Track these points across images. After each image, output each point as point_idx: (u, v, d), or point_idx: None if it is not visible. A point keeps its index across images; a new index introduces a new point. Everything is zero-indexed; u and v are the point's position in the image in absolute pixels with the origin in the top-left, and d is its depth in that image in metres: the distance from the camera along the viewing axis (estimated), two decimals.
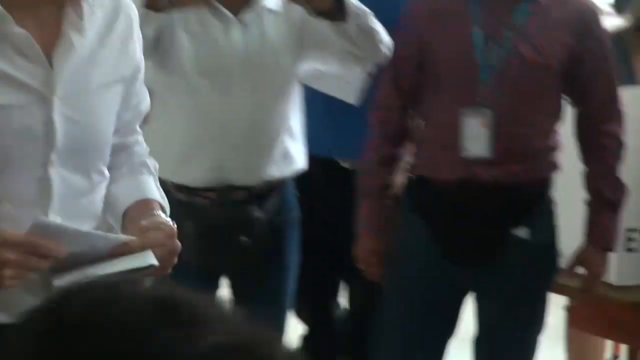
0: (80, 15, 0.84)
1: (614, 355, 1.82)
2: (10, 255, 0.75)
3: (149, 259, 0.81)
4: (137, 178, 0.97)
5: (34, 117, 0.83)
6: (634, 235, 1.53)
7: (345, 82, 1.47)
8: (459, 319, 1.46)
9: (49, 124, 0.83)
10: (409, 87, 1.41)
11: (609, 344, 1.83)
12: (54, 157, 0.84)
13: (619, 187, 1.40)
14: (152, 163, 1.01)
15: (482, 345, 1.45)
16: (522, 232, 1.36)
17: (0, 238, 0.76)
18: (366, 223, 1.43)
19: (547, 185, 1.41)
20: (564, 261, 1.45)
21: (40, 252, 0.77)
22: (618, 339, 1.63)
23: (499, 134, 1.33)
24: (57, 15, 0.84)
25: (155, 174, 1.00)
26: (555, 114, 1.40)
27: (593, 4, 1.56)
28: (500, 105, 1.33)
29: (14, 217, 0.83)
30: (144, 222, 0.87)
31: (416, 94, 1.41)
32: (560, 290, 1.54)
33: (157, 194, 0.97)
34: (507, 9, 1.34)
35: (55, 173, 0.85)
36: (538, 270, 1.41)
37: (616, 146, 1.40)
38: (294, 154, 1.42)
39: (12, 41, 0.81)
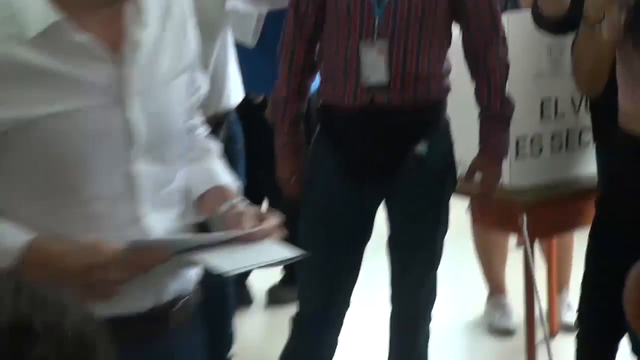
0: (139, 9, 0.83)
1: (518, 243, 2.11)
2: (116, 274, 0.78)
3: (292, 251, 0.85)
4: (204, 164, 1.00)
5: (111, 117, 0.83)
6: (523, 142, 1.75)
7: (243, 24, 1.58)
8: (371, 228, 1.68)
9: (125, 122, 0.84)
10: (312, 25, 1.54)
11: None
12: (134, 153, 0.85)
13: (506, 102, 1.58)
14: (214, 144, 1.03)
15: (394, 248, 1.68)
16: (421, 148, 1.55)
17: (105, 259, 0.77)
18: (282, 149, 1.61)
19: (441, 106, 1.58)
20: (464, 170, 1.67)
21: (145, 267, 0.79)
22: (515, 231, 1.89)
23: (394, 62, 1.47)
24: (117, 13, 0.83)
25: (219, 154, 1.02)
26: (446, 41, 1.55)
27: None
28: (394, 35, 1.47)
29: (106, 214, 0.85)
30: (246, 212, 0.87)
31: (318, 30, 1.54)
32: (463, 194, 1.78)
33: (228, 178, 0.99)
34: None
35: (138, 168, 0.86)
36: (437, 179, 1.61)
37: (501, 66, 1.56)
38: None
39: (79, 46, 0.79)
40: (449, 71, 1.56)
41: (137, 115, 0.83)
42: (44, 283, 0.61)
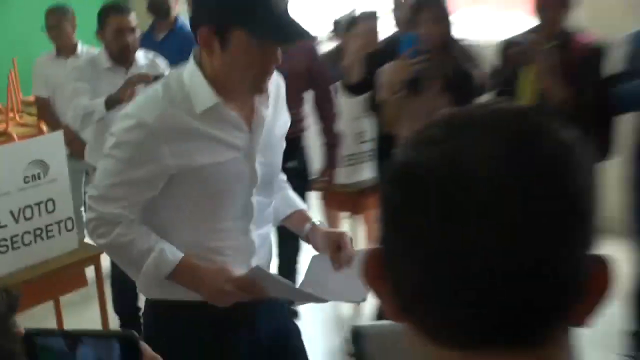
0: (264, 96, 1.17)
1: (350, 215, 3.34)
2: (232, 289, 1.10)
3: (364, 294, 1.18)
4: (284, 193, 1.38)
5: (243, 166, 1.16)
6: (350, 159, 2.95)
7: None
8: None
9: (252, 169, 1.17)
10: None
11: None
12: (254, 189, 1.19)
13: (336, 136, 2.70)
14: (284, 178, 1.39)
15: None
16: (292, 164, 2.61)
17: (230, 277, 1.12)
18: None
19: (302, 137, 2.61)
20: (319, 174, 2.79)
21: (251, 292, 1.11)
22: (347, 210, 3.10)
23: None
24: (251, 98, 1.16)
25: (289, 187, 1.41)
26: (302, 101, 2.53)
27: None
28: None
29: (229, 229, 1.18)
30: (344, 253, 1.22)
31: None
32: (317, 189, 2.91)
33: (302, 203, 1.41)
34: None
35: (255, 199, 1.20)
36: (302, 182, 2.69)
37: (332, 114, 2.60)
38: None
39: (228, 120, 1.13)
40: (305, 117, 2.58)
41: (259, 165, 1.17)
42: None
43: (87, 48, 2.90)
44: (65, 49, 2.88)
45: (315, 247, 1.29)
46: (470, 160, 0.34)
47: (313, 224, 1.31)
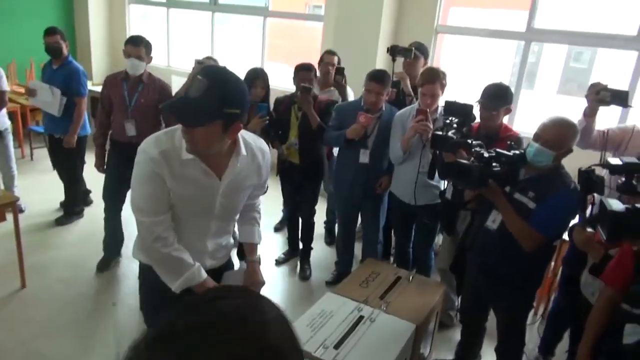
0: (237, 156, 1.64)
1: None
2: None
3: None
4: (250, 228, 2.00)
5: (207, 201, 1.71)
6: None
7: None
8: None
9: (213, 205, 1.72)
10: (108, 109, 3.30)
11: None
12: (213, 217, 1.76)
13: None
14: (259, 216, 2.03)
15: None
16: None
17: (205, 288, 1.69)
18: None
19: None
20: None
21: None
22: None
23: None
24: (226, 156, 1.65)
25: (258, 224, 2.02)
26: (159, 126, 3.11)
27: None
28: None
29: (191, 237, 1.76)
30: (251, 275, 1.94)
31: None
32: None
33: (257, 238, 2.01)
34: None
35: (213, 223, 1.79)
36: None
37: None
38: None
39: (204, 170, 1.63)
40: None
41: (219, 202, 1.73)
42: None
43: None
44: None
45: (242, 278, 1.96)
46: None
47: (250, 259, 1.99)
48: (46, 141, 4.33)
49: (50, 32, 3.94)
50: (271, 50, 6.51)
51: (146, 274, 1.84)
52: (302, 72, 3.43)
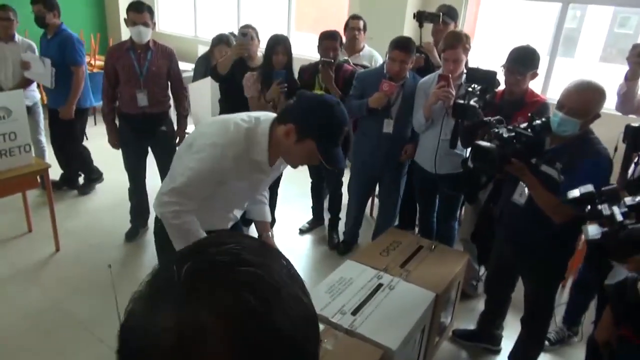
0: (281, 160, 1.84)
1: None
2: None
3: None
4: (262, 207, 2.16)
5: (251, 190, 1.97)
6: None
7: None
8: None
9: (253, 192, 1.99)
10: (114, 81, 3.35)
11: None
12: (247, 199, 2.04)
13: (185, 109, 3.56)
14: (267, 196, 2.19)
15: None
16: (163, 128, 3.51)
17: None
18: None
19: (168, 111, 3.50)
20: None
21: None
22: None
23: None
24: (277, 159, 1.83)
25: (267, 203, 2.18)
26: (167, 89, 3.48)
27: None
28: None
29: (224, 210, 1.97)
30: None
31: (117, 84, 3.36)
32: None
33: (268, 217, 2.17)
34: None
35: (244, 203, 2.06)
36: (170, 142, 3.58)
37: (183, 97, 3.51)
38: None
39: (261, 167, 1.80)
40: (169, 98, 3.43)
41: (257, 190, 2.01)
42: None
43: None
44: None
45: None
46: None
47: (267, 235, 2.16)
48: (46, 115, 4.17)
49: (33, 1, 3.81)
50: (298, 19, 6.40)
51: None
52: (327, 40, 3.35)
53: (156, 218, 1.92)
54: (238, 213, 2.09)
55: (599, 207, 1.61)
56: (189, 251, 0.49)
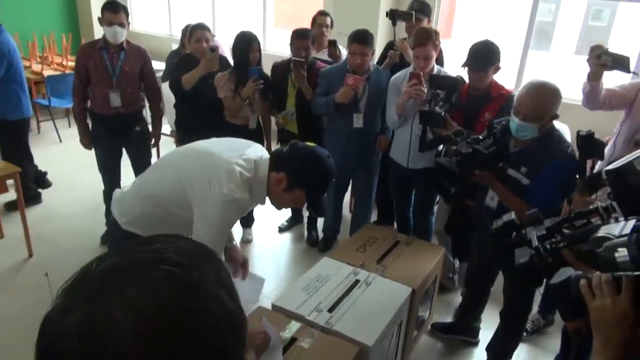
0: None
1: None
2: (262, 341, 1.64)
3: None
4: None
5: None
6: None
7: None
8: None
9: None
10: (85, 80, 3.26)
11: None
12: None
13: (160, 110, 3.56)
14: None
15: None
16: (137, 128, 3.44)
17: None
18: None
19: (141, 111, 3.50)
20: None
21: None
22: None
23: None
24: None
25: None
26: (140, 88, 3.45)
27: None
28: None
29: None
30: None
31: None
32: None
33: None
34: None
35: None
36: (145, 140, 3.56)
37: (158, 97, 3.52)
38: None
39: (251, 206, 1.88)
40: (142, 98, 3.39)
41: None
42: None
43: None
44: None
45: (227, 258, 2.05)
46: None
47: (232, 245, 2.09)
48: None
49: None
50: (275, 15, 6.37)
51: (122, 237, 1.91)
52: (298, 40, 3.32)
53: (111, 220, 1.98)
54: None
55: (523, 231, 1.67)
56: (120, 249, 0.49)
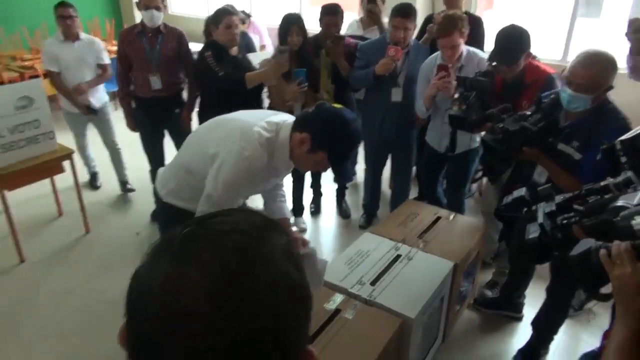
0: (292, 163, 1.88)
1: None
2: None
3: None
4: (279, 204, 2.15)
5: (267, 185, 2.01)
6: None
7: None
8: None
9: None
10: (127, 65, 3.38)
11: None
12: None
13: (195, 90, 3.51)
14: (284, 194, 2.18)
15: None
16: (177, 110, 3.59)
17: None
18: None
19: (181, 92, 3.58)
20: None
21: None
22: None
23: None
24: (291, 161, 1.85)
25: (286, 201, 2.17)
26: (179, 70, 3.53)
27: None
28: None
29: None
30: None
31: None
32: None
33: (288, 214, 2.17)
34: None
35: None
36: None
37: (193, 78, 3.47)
38: None
39: (278, 170, 1.90)
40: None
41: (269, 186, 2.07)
42: None
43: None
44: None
45: None
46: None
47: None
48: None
49: None
50: None
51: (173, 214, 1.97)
52: (328, 16, 3.25)
53: (160, 202, 2.03)
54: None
55: (534, 207, 1.63)
56: (196, 220, 0.54)
